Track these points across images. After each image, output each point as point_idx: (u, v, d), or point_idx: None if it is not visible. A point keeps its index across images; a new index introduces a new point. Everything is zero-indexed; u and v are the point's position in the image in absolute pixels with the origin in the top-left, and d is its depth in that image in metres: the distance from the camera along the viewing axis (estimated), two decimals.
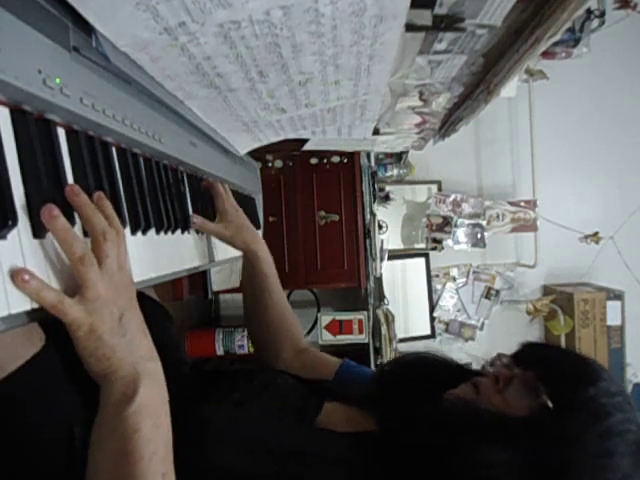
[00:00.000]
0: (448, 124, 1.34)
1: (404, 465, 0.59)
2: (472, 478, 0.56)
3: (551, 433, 0.57)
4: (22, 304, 0.40)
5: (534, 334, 2.63)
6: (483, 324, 2.59)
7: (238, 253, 0.97)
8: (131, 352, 0.47)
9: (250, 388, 0.76)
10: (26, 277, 0.39)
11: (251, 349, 2.02)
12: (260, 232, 1.38)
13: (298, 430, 0.68)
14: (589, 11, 2.14)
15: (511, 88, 1.86)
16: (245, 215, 0.93)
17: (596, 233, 2.55)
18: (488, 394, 0.65)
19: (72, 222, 0.45)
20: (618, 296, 2.40)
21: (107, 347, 0.46)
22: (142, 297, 0.98)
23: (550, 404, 0.59)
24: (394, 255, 2.43)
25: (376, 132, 1.29)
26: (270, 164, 1.89)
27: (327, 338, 2.00)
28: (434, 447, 0.59)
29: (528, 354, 0.70)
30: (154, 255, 0.65)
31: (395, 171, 2.45)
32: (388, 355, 1.93)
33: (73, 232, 0.43)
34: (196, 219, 0.80)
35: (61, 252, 0.45)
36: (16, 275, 0.38)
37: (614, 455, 0.56)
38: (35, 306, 0.41)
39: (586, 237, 2.57)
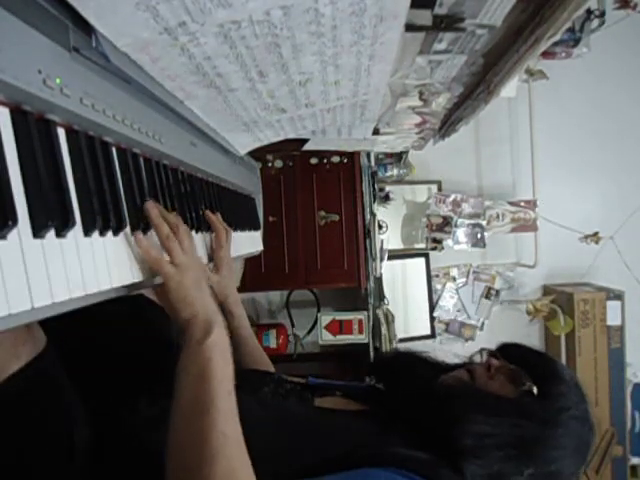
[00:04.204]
0: (448, 124, 1.34)
1: (407, 435, 0.67)
2: (467, 447, 0.65)
3: (535, 414, 0.70)
4: (22, 304, 0.40)
5: (534, 334, 2.63)
6: (483, 324, 2.58)
7: (239, 252, 0.97)
8: (207, 304, 0.64)
9: (252, 383, 0.81)
10: (140, 236, 0.59)
11: None
12: (260, 232, 1.38)
13: (306, 409, 0.77)
14: (589, 11, 2.14)
15: (511, 88, 1.86)
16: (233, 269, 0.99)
17: (596, 233, 2.54)
18: (481, 379, 0.76)
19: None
20: (618, 296, 2.40)
21: (191, 296, 0.62)
22: (141, 299, 0.98)
23: (535, 390, 0.72)
24: (394, 255, 2.43)
25: (376, 132, 1.29)
26: (270, 164, 1.88)
27: (327, 338, 2.00)
28: (433, 419, 0.68)
29: (510, 352, 0.81)
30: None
31: (395, 171, 2.44)
32: None
33: (161, 218, 0.62)
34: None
35: (61, 252, 0.45)
36: (135, 236, 0.58)
37: (572, 434, 0.71)
38: (36, 305, 0.41)
39: (586, 237, 2.57)
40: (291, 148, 1.64)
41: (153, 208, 0.63)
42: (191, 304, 0.62)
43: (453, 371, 0.80)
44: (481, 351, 0.83)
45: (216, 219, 0.89)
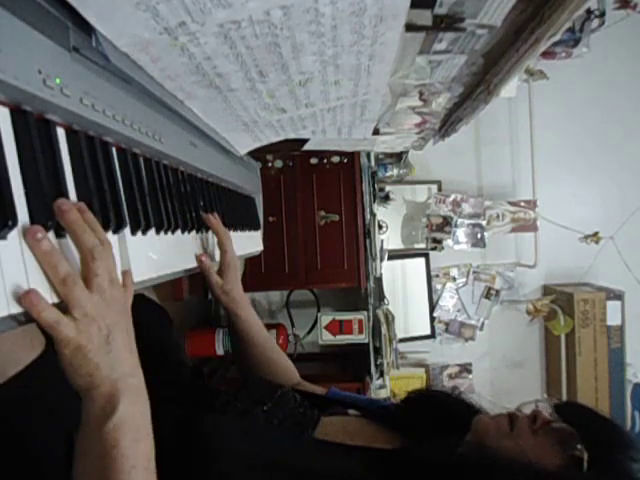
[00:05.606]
0: (448, 124, 1.34)
1: None
2: None
3: None
4: None
5: (534, 334, 2.63)
6: (483, 324, 2.58)
7: (239, 253, 0.97)
8: (114, 369, 0.47)
9: (251, 399, 0.76)
10: (32, 295, 0.40)
11: None
12: (260, 232, 1.37)
13: (299, 442, 0.68)
14: (589, 11, 2.14)
15: (511, 88, 1.86)
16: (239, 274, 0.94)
17: (596, 233, 2.54)
18: (522, 432, 0.63)
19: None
20: (618, 296, 2.40)
21: (91, 365, 0.45)
22: (142, 299, 0.98)
23: (586, 457, 0.58)
24: (394, 255, 2.43)
25: (376, 132, 1.29)
26: (270, 164, 1.89)
27: (327, 338, 2.00)
28: None
29: (569, 411, 0.68)
30: (154, 255, 0.65)
31: (395, 171, 2.45)
32: (388, 355, 1.93)
33: (57, 254, 0.42)
34: (206, 261, 0.83)
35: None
36: (24, 294, 0.39)
37: None
38: None
39: (586, 237, 2.57)
40: (291, 148, 1.64)
41: (69, 211, 0.45)
42: (90, 374, 0.46)
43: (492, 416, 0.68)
44: (536, 402, 0.70)
45: (217, 223, 0.85)
